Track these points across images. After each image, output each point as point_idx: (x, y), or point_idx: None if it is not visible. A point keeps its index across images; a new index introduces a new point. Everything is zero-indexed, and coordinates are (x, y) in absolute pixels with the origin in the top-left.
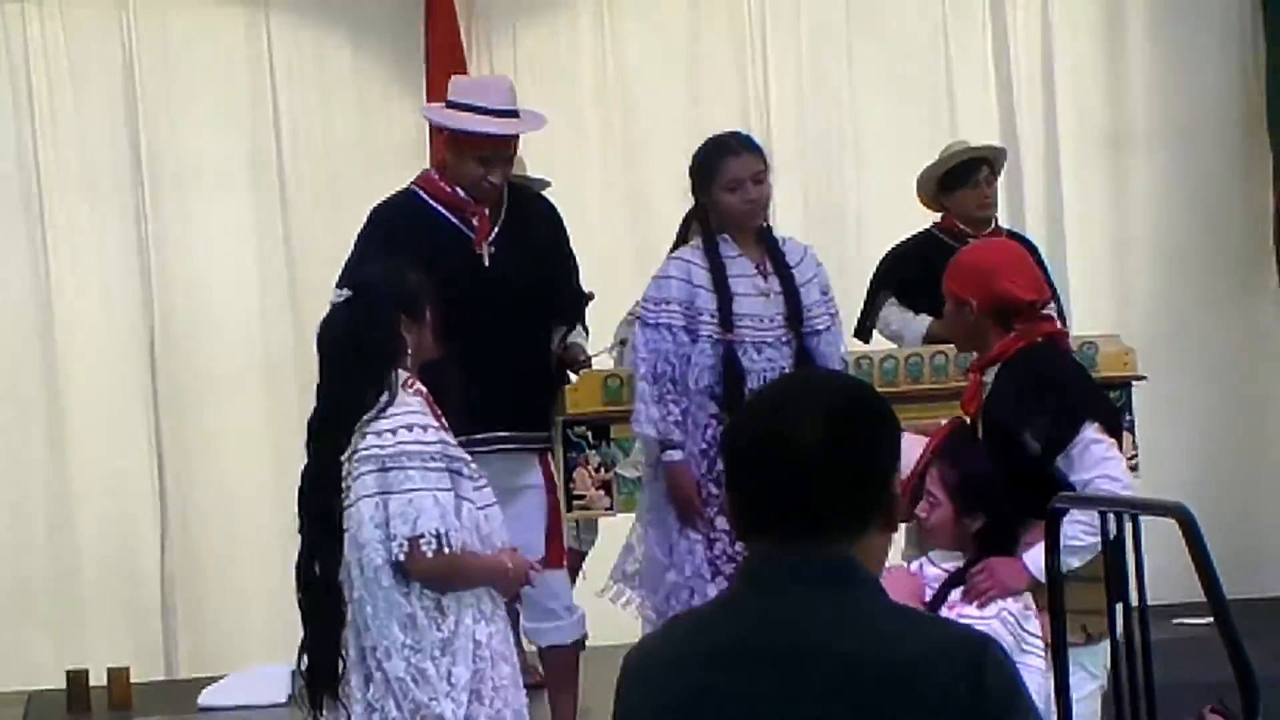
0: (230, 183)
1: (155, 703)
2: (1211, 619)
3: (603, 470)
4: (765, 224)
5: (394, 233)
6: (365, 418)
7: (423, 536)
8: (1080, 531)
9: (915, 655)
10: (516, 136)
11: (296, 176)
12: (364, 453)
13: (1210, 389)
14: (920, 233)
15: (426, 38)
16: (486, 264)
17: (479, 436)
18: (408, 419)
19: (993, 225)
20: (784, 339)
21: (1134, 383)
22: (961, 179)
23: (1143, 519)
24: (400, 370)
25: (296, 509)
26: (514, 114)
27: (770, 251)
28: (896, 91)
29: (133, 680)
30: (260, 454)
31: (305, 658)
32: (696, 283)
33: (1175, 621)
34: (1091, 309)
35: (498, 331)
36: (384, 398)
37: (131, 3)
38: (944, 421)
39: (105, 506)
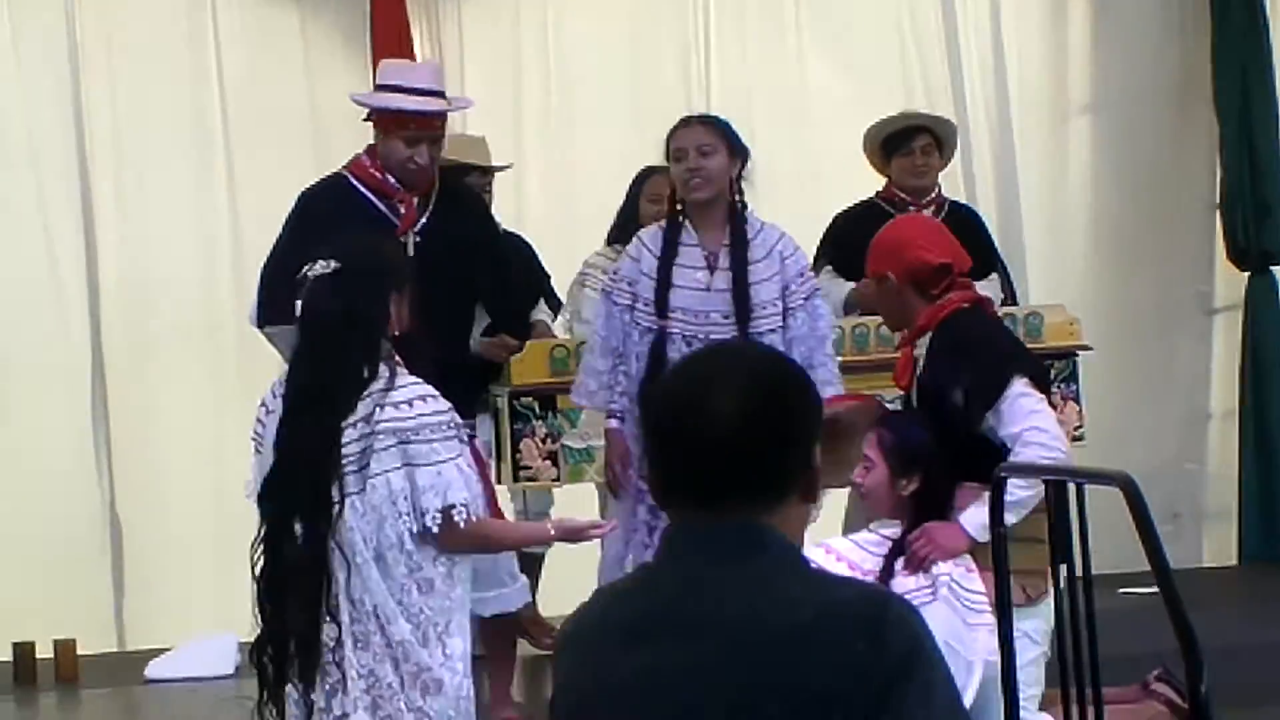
0: (173, 149)
1: (102, 675)
2: (1157, 587)
3: (549, 441)
4: (740, 208)
5: (319, 217)
6: (375, 388)
7: (454, 507)
8: (1014, 486)
9: (812, 616)
10: (443, 116)
11: (241, 144)
12: (385, 425)
13: (1148, 357)
14: (862, 201)
15: (371, 11)
16: (410, 253)
17: None
18: (420, 390)
19: (935, 194)
20: (720, 336)
21: (1079, 352)
22: (899, 145)
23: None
24: (385, 342)
25: (270, 482)
26: (440, 95)
27: (734, 243)
28: (846, 66)
29: (82, 652)
30: (203, 419)
31: (273, 628)
32: (643, 268)
33: (1121, 591)
34: (1030, 277)
35: (419, 321)
36: (383, 369)
37: None
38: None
39: (49, 476)
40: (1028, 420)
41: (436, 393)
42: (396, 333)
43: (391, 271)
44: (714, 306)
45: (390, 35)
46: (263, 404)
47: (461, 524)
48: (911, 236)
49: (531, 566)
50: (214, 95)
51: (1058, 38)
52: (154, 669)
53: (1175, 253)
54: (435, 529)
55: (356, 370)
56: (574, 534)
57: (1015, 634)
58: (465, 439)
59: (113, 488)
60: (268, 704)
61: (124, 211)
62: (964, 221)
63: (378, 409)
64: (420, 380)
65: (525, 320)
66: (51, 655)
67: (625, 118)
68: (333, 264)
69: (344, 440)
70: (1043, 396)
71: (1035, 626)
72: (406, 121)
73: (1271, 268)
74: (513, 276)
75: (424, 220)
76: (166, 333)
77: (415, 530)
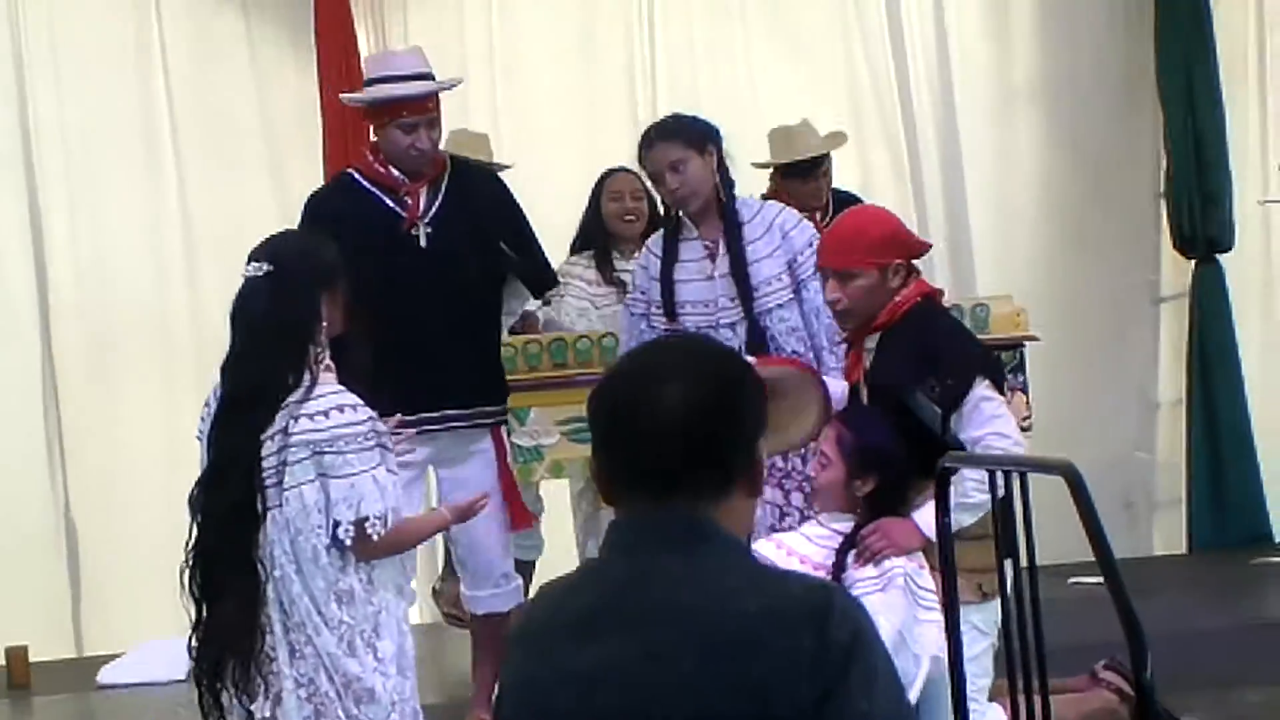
0: (123, 153)
1: (55, 681)
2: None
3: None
4: (727, 197)
5: (327, 219)
6: (291, 399)
7: (367, 520)
8: (971, 489)
9: (758, 610)
10: (435, 98)
11: (190, 150)
12: (299, 437)
13: (1095, 346)
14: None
15: (316, 15)
16: (423, 244)
17: (429, 416)
18: (337, 400)
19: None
20: (734, 321)
21: (1026, 343)
22: (802, 173)
23: (1031, 477)
24: (313, 347)
25: (201, 486)
26: (427, 77)
27: (727, 227)
28: (791, 57)
29: (39, 658)
30: (156, 423)
31: (209, 638)
32: (651, 273)
33: (1071, 581)
34: (977, 266)
35: (439, 310)
36: (305, 377)
37: None
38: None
39: (2, 483)
40: (989, 425)
41: (357, 401)
42: (326, 337)
43: (324, 273)
44: (720, 292)
45: (335, 39)
46: (206, 404)
47: (375, 537)
48: (897, 223)
49: (524, 572)
50: (162, 101)
51: (1001, 27)
52: (106, 674)
53: (1121, 242)
54: (349, 541)
55: (284, 377)
56: (466, 512)
57: (965, 626)
58: (388, 447)
59: (68, 494)
60: (211, 709)
61: (74, 219)
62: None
63: (292, 421)
64: (342, 389)
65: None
66: (3, 662)
67: (573, 118)
68: (265, 266)
69: (263, 454)
70: (1002, 400)
71: (984, 618)
72: (399, 109)
73: (1217, 256)
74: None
75: (435, 209)
76: (119, 338)
77: (328, 543)
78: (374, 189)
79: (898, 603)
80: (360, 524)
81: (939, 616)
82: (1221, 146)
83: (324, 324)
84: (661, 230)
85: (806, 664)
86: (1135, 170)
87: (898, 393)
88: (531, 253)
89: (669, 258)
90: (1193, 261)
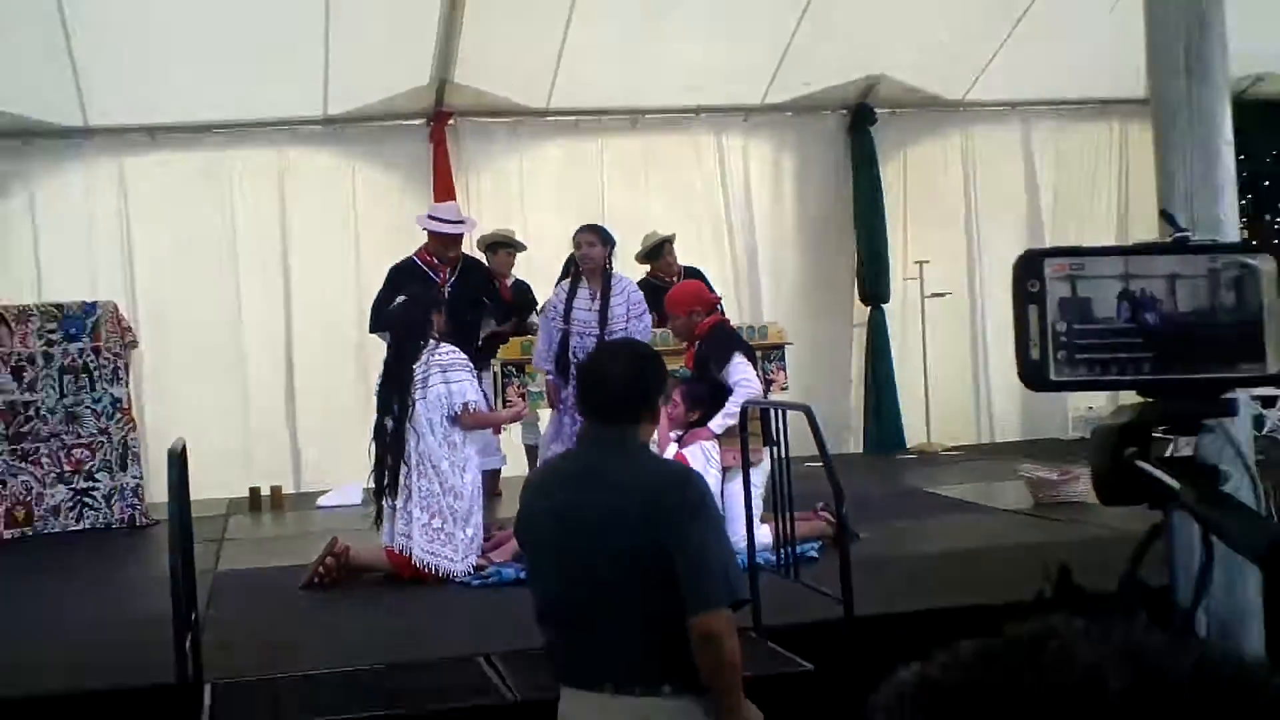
0: (258, 251)
1: (292, 504)
2: (822, 463)
3: (521, 388)
4: (607, 270)
5: (398, 279)
6: (426, 350)
7: (468, 403)
8: (726, 416)
9: (653, 479)
10: (462, 233)
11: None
12: (435, 361)
13: (821, 348)
14: (642, 279)
15: (434, 166)
16: (446, 294)
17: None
18: (451, 348)
19: (679, 272)
20: (595, 334)
21: (785, 346)
22: (654, 256)
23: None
24: (432, 338)
25: (381, 389)
26: (462, 221)
27: (604, 287)
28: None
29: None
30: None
31: (381, 467)
32: (558, 300)
33: (805, 464)
34: (763, 307)
35: (455, 324)
36: (430, 344)
37: None
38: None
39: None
40: (739, 373)
41: (460, 351)
42: (438, 332)
43: (431, 303)
44: (594, 318)
45: (443, 182)
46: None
47: (471, 410)
48: (699, 288)
49: (492, 481)
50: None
51: (777, 185)
52: (321, 501)
53: (835, 295)
54: (457, 413)
55: (417, 347)
56: (516, 417)
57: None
58: (476, 374)
59: (294, 397)
60: (380, 503)
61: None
62: (695, 276)
63: (431, 355)
64: (454, 348)
65: (521, 318)
66: (267, 493)
67: (560, 246)
68: (403, 299)
69: (416, 372)
70: (748, 363)
71: (760, 479)
72: (445, 239)
73: (882, 305)
74: (502, 301)
75: (454, 278)
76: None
77: (447, 415)
78: (424, 266)
79: (698, 456)
80: (465, 405)
81: (716, 471)
82: (884, 246)
83: (435, 326)
84: (568, 280)
85: (675, 505)
86: (843, 258)
87: (705, 366)
88: (498, 302)
89: (571, 293)
90: (869, 308)
